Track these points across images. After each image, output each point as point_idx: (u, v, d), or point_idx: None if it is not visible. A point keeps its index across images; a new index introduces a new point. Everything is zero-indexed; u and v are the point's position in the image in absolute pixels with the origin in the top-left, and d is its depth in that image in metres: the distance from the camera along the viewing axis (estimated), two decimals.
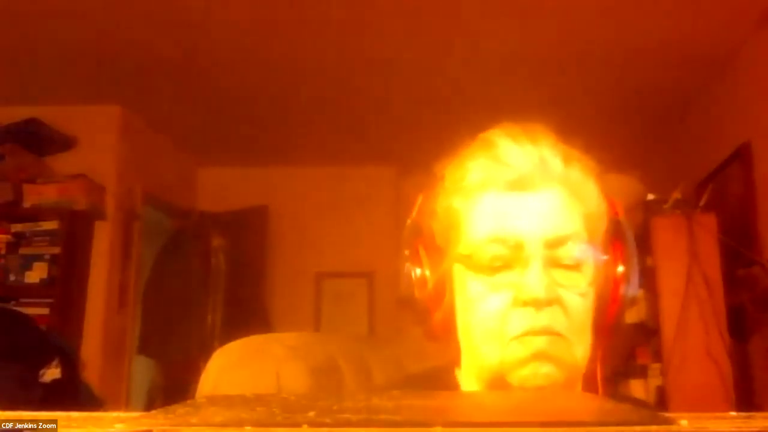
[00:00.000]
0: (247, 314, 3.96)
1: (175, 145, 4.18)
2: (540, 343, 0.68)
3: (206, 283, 4.06)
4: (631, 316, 3.09)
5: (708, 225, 2.78)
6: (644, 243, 2.94)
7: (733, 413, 0.42)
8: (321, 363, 1.02)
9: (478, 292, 0.71)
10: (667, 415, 0.41)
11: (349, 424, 0.39)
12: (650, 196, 2.98)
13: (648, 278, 2.93)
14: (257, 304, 4.20)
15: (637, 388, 2.99)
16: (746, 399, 2.66)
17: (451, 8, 2.73)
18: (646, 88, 3.36)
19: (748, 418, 0.41)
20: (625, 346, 3.28)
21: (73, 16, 2.76)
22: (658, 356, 2.82)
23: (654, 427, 0.38)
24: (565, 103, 3.49)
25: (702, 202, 2.89)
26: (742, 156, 2.98)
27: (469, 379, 0.78)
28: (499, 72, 3.23)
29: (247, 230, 4.27)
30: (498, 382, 0.70)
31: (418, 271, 0.77)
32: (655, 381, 2.87)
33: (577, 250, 0.71)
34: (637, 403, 1.06)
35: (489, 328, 0.70)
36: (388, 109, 3.64)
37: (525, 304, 0.68)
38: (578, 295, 0.70)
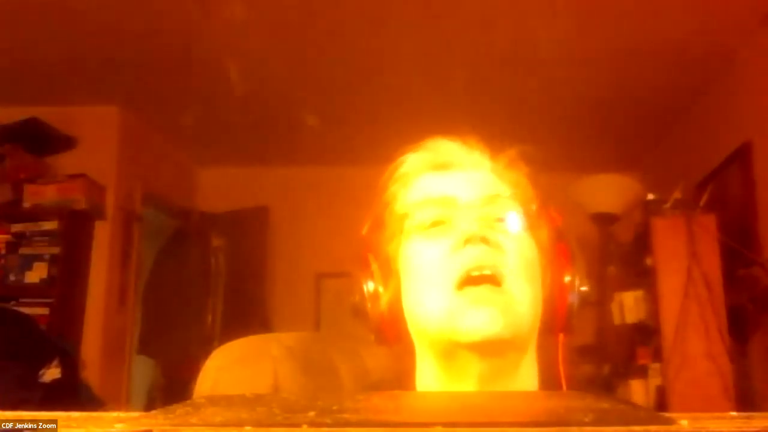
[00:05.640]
0: (247, 314, 3.96)
1: (175, 145, 4.18)
2: (480, 290, 0.69)
3: (206, 283, 4.06)
4: (631, 316, 3.09)
5: (708, 225, 2.78)
6: (644, 243, 2.94)
7: (733, 413, 0.42)
8: (318, 363, 1.02)
9: (417, 249, 0.74)
10: (667, 415, 0.41)
11: (349, 424, 0.39)
12: (650, 196, 2.98)
13: (648, 278, 2.93)
14: (257, 304, 4.19)
15: (637, 388, 2.99)
16: (746, 399, 2.65)
17: (453, 8, 2.73)
18: (647, 88, 3.36)
19: (748, 418, 0.41)
20: (625, 346, 3.28)
21: (73, 16, 2.76)
22: (658, 356, 2.82)
23: (654, 427, 0.38)
24: (566, 103, 3.49)
25: (702, 202, 2.89)
26: (742, 156, 2.98)
27: (424, 363, 0.77)
28: (499, 72, 3.23)
29: (247, 230, 4.26)
30: (447, 345, 0.70)
31: (371, 285, 0.78)
32: (655, 381, 2.87)
33: (508, 206, 0.74)
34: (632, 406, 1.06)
35: (430, 280, 0.71)
36: (388, 109, 3.64)
37: (466, 242, 0.70)
38: (514, 241, 0.72)
